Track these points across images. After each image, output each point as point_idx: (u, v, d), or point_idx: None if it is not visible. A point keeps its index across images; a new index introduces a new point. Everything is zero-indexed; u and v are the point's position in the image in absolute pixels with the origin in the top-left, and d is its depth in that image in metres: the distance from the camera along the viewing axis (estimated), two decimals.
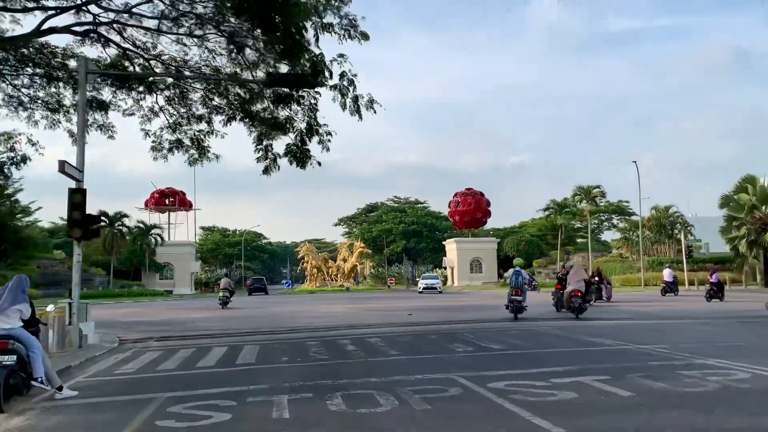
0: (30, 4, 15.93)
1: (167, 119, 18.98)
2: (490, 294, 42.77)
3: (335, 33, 12.83)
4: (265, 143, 17.01)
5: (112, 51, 17.86)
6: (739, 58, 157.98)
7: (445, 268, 71.48)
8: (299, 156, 16.20)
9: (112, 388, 8.24)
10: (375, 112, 14.27)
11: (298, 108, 15.92)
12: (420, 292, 46.63)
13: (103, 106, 18.98)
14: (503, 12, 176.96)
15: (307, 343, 12.90)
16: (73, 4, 15.95)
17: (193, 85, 18.60)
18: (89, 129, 19.36)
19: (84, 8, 16.22)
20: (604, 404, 6.17)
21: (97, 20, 16.75)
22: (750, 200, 43.17)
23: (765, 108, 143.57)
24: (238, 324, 18.92)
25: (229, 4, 14.36)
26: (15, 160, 19.02)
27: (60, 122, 19.59)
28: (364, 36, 12.76)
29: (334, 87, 14.06)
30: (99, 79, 18.32)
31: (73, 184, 13.06)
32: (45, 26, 15.88)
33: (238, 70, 17.21)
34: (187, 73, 17.83)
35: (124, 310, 29.90)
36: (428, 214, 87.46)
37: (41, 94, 19.28)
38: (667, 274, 32.81)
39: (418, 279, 57.73)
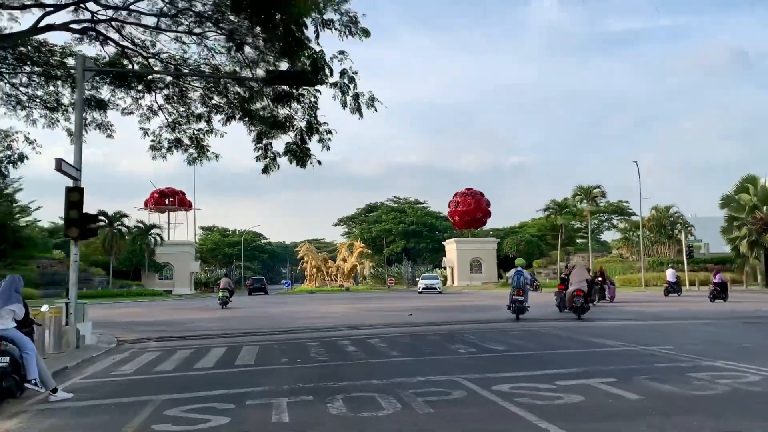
0: (27, 1, 15.77)
1: (166, 118, 18.84)
2: (490, 294, 42.63)
3: (336, 29, 12.67)
4: (264, 142, 16.86)
5: (111, 49, 17.73)
6: (739, 59, 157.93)
7: (445, 268, 71.34)
8: (299, 155, 16.05)
9: (109, 390, 8.07)
10: (376, 110, 14.12)
11: (298, 106, 15.78)
12: (419, 293, 46.44)
13: (102, 105, 18.83)
14: (503, 12, 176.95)
15: (307, 343, 12.74)
16: (70, 1, 15.80)
17: (192, 83, 18.46)
18: (88, 128, 19.25)
19: (82, 5, 16.06)
20: (612, 408, 6.01)
21: (95, 17, 16.60)
22: (751, 200, 43.03)
23: (765, 108, 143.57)
24: (237, 324, 18.76)
25: (228, 2, 14.21)
26: (12, 158, 18.86)
27: (59, 121, 19.45)
28: (365, 32, 12.60)
29: (334, 85, 13.90)
30: (98, 78, 18.19)
31: (70, 183, 12.94)
32: (42, 23, 15.72)
33: (237, 68, 17.07)
34: (185, 71, 17.69)
35: (123, 310, 29.75)
36: (428, 214, 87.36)
37: (40, 92, 19.15)
38: (670, 274, 32.68)
39: (417, 279, 57.55)
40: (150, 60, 17.69)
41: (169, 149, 19.01)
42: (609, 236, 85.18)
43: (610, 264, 57.14)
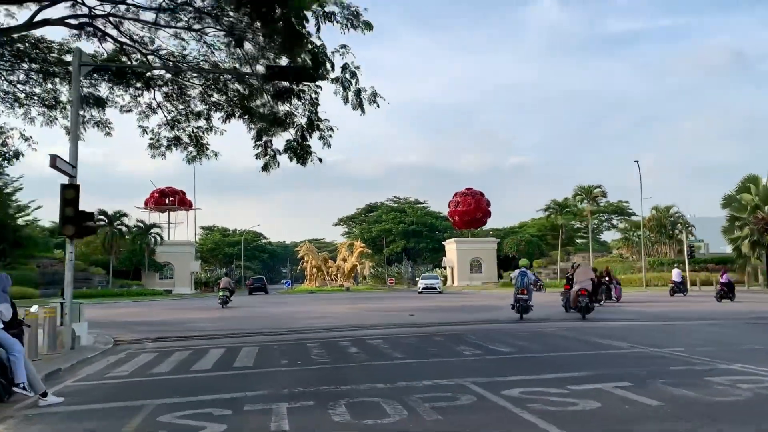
0: None
1: (165, 116, 18.59)
2: (490, 294, 42.35)
3: (337, 22, 12.35)
4: (264, 139, 16.58)
5: (109, 46, 17.48)
6: (739, 59, 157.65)
7: (445, 268, 71.04)
8: (299, 152, 15.75)
9: (102, 394, 7.76)
10: (378, 105, 13.80)
11: (299, 103, 15.50)
12: (419, 293, 46.12)
13: (100, 103, 18.58)
14: (503, 12, 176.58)
15: (307, 344, 12.43)
16: None
17: (191, 81, 18.21)
18: (86, 126, 19.02)
19: (78, 0, 15.78)
20: (631, 415, 5.68)
21: (92, 12, 16.32)
22: (753, 200, 42.74)
23: (764, 108, 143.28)
24: (236, 324, 18.46)
25: None
26: (7, 155, 18.56)
27: (57, 119, 19.20)
28: (368, 25, 12.29)
29: (335, 80, 13.58)
30: (96, 76, 17.95)
31: (65, 180, 12.63)
32: (39, 18, 15.44)
33: (237, 65, 16.80)
34: (185, 69, 17.39)
35: (122, 309, 29.45)
36: (428, 214, 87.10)
37: (38, 90, 18.91)
38: (675, 274, 32.47)
39: (417, 279, 57.23)
40: (149, 57, 17.41)
41: (168, 147, 18.77)
42: (609, 236, 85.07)
43: (610, 264, 56.79)
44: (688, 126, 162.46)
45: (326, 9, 12.31)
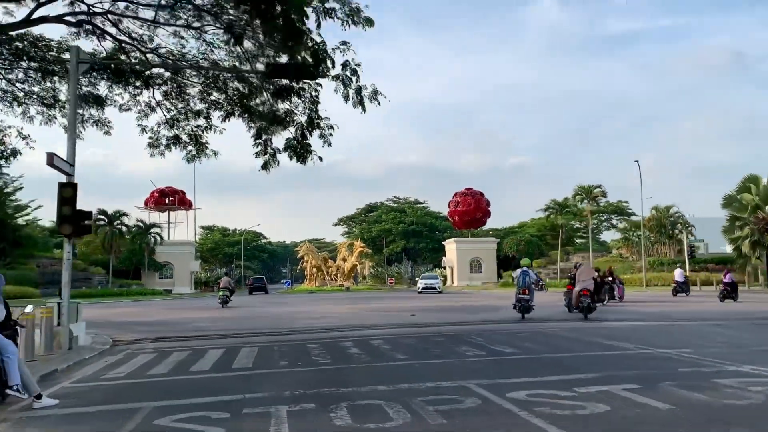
0: None
1: (164, 114, 18.42)
2: (491, 294, 42.22)
3: (338, 18, 12.16)
4: (264, 138, 16.38)
5: (108, 44, 17.32)
6: (739, 59, 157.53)
7: (445, 268, 70.92)
8: (299, 151, 15.56)
9: (98, 396, 7.60)
10: (379, 103, 13.61)
11: (299, 101, 15.30)
12: (419, 292, 45.95)
13: (99, 101, 18.42)
14: (503, 12, 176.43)
15: (307, 345, 12.27)
16: None
17: (191, 79, 18.04)
18: (85, 125, 18.88)
19: None
20: (642, 419, 5.51)
21: (91, 10, 16.15)
22: (753, 200, 42.63)
23: (764, 109, 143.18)
24: (236, 325, 18.30)
25: None
26: (5, 154, 18.40)
27: (56, 118, 19.04)
28: (369, 22, 12.10)
29: (336, 77, 13.38)
30: (95, 74, 17.81)
31: (63, 179, 12.47)
32: (36, 15, 15.27)
33: (236, 63, 16.65)
34: (184, 66, 17.23)
35: (121, 309, 29.30)
36: (428, 214, 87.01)
37: (36, 89, 18.75)
38: (678, 274, 32.40)
39: (417, 279, 57.07)
40: (148, 55, 17.25)
41: (168, 146, 18.60)
42: (608, 236, 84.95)
43: (611, 264, 56.63)
44: (688, 126, 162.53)
45: (327, 5, 12.13)
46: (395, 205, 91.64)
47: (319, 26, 12.22)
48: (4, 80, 18.25)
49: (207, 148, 18.61)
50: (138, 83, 17.86)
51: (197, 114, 18.27)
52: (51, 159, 11.57)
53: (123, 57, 17.32)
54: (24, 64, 18.05)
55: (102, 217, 57.22)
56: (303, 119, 15.45)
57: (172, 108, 18.37)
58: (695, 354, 9.52)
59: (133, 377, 9.02)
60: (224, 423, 5.75)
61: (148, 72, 17.63)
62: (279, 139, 16.65)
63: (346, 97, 13.45)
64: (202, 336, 15.12)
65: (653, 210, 58.88)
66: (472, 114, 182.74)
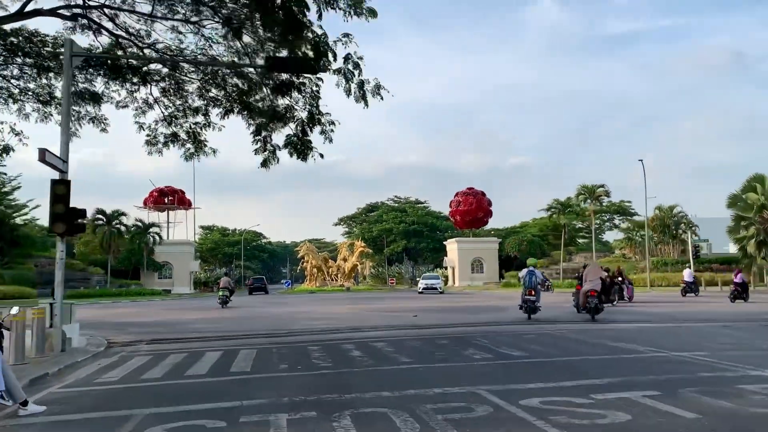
0: None
1: (162, 111, 18.07)
2: (492, 294, 41.82)
3: (340, 9, 11.78)
4: (263, 134, 16.01)
5: (105, 40, 16.97)
6: (739, 59, 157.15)
7: (446, 268, 70.52)
8: (300, 147, 15.18)
9: (88, 402, 7.22)
10: (381, 98, 13.21)
11: (299, 96, 14.93)
12: (420, 293, 45.50)
13: (96, 98, 18.07)
14: (503, 12, 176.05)
15: (308, 347, 11.89)
16: None
17: (189, 75, 17.69)
18: (82, 122, 18.54)
19: None
20: (667, 429, 5.13)
21: (86, 3, 15.80)
22: (759, 200, 42.15)
23: (764, 109, 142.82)
24: (235, 325, 17.94)
25: None
26: None
27: (52, 115, 18.68)
28: (372, 12, 11.70)
29: (338, 71, 12.99)
30: (92, 71, 17.47)
31: (56, 175, 12.11)
32: (30, 7, 14.91)
33: (236, 59, 16.29)
34: (181, 61, 16.87)
35: (119, 310, 28.93)
36: (429, 214, 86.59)
37: (32, 85, 18.39)
38: (687, 274, 32.12)
39: (418, 279, 56.65)
40: (145, 50, 16.90)
41: (166, 144, 18.25)
42: (610, 236, 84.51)
43: (613, 264, 56.25)
44: (688, 126, 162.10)
45: None
46: (396, 204, 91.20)
47: (320, 17, 11.85)
48: None
49: (206, 145, 18.27)
50: (135, 80, 17.52)
51: (195, 111, 17.93)
52: (43, 155, 11.20)
53: (120, 53, 16.96)
54: (19, 59, 17.69)
55: (100, 216, 56.83)
56: (303, 115, 15.08)
57: (170, 105, 18.03)
58: (712, 357, 9.14)
59: (127, 381, 8.65)
60: None
61: (145, 68, 17.29)
62: (279, 136, 16.32)
63: (348, 92, 13.06)
64: (200, 337, 14.75)
65: (656, 210, 58.41)
66: (472, 114, 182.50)
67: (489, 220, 72.31)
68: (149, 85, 17.62)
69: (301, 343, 12.74)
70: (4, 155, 17.99)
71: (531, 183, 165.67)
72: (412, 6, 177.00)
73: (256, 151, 16.12)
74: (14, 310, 9.65)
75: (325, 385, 7.60)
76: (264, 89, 15.80)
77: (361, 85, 13.00)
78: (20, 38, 17.01)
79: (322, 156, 15.43)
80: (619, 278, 25.09)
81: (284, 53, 14.00)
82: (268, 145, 15.93)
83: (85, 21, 16.22)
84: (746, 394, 6.44)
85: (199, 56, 16.80)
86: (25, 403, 6.56)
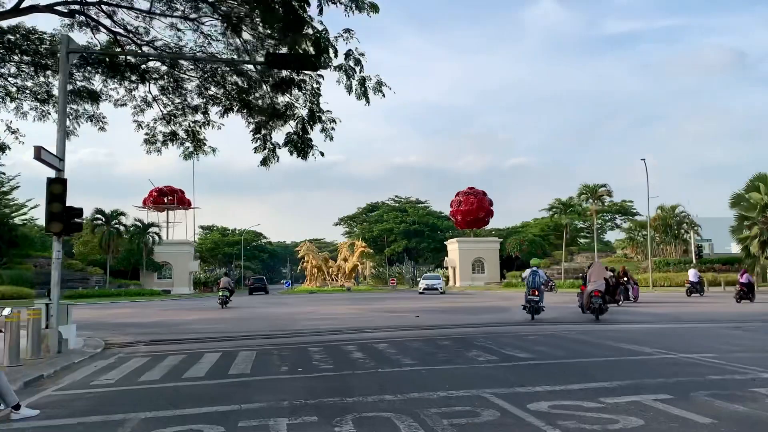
0: None
1: (161, 110, 17.88)
2: (494, 295, 41.61)
3: (341, 3, 11.56)
4: (263, 132, 15.80)
5: (103, 37, 16.80)
6: (739, 59, 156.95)
7: (447, 268, 70.30)
8: (300, 145, 14.96)
9: (83, 405, 7.02)
10: (383, 95, 12.99)
11: (299, 93, 14.72)
12: (421, 293, 45.20)
13: (94, 96, 17.88)
14: (503, 13, 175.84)
15: (308, 349, 11.69)
16: None
17: (188, 73, 17.50)
18: (80, 120, 18.36)
19: None
20: None
21: (84, 0, 15.62)
22: (762, 199, 41.91)
23: (764, 109, 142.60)
24: (234, 326, 17.74)
25: None
26: None
27: (49, 113, 18.49)
28: (374, 7, 11.48)
29: (339, 68, 12.76)
30: (90, 68, 17.28)
31: (52, 174, 11.92)
32: (26, 4, 14.72)
33: (235, 56, 16.10)
34: (180, 57, 16.68)
35: (118, 310, 28.73)
36: (429, 214, 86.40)
37: (29, 83, 18.21)
38: (692, 274, 31.92)
39: (419, 279, 56.42)
40: (143, 48, 16.71)
41: (164, 143, 18.07)
42: (612, 236, 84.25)
43: (615, 264, 56.00)
44: (689, 126, 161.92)
45: None
46: (396, 204, 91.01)
47: (321, 12, 11.63)
48: None
49: (205, 144, 18.08)
50: (134, 78, 17.34)
51: (195, 109, 17.75)
52: (38, 152, 11.01)
53: (118, 50, 16.79)
54: (16, 57, 17.52)
55: (100, 216, 56.63)
56: (304, 112, 14.87)
57: (169, 103, 17.85)
58: (721, 359, 8.94)
59: (123, 384, 8.45)
60: None
61: (144, 66, 17.10)
62: (279, 135, 16.14)
63: (349, 89, 12.84)
64: (199, 338, 14.55)
65: (659, 209, 58.17)
66: (472, 114, 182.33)
67: (490, 220, 72.15)
68: (148, 83, 17.44)
69: (302, 345, 12.55)
70: (0, 153, 17.78)
71: (531, 183, 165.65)
72: (412, 6, 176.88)
73: (256, 150, 15.93)
74: (6, 311, 9.45)
75: (326, 388, 7.40)
76: (264, 86, 15.60)
77: (362, 81, 12.78)
78: (17, 36, 16.84)
79: (322, 154, 15.23)
80: (625, 278, 24.93)
81: (284, 50, 13.81)
82: (268, 143, 15.73)
83: (82, 18, 16.04)
84: (760, 397, 6.24)
85: (198, 54, 16.63)
86: (17, 407, 6.37)
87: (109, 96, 17.88)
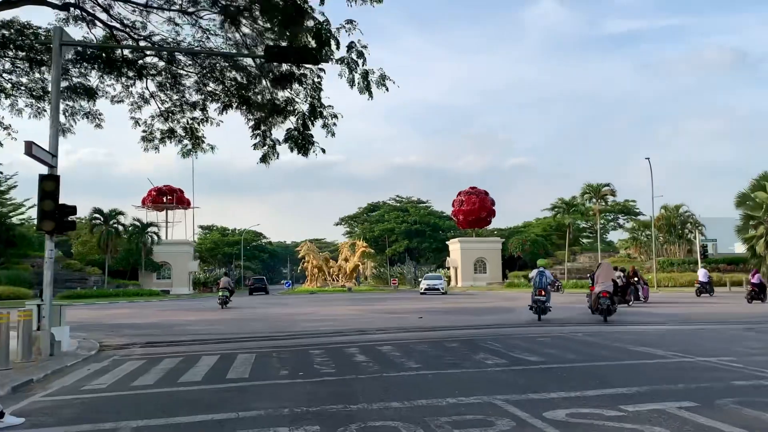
0: None
1: (159, 106, 17.51)
2: (497, 295, 41.22)
3: None
4: (263, 128, 15.42)
5: (99, 32, 16.42)
6: (740, 59, 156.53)
7: (449, 269, 69.88)
8: (301, 142, 14.57)
9: (71, 413, 6.63)
10: (387, 89, 12.58)
11: (300, 88, 14.33)
12: (422, 293, 44.72)
13: (90, 93, 17.50)
14: (503, 13, 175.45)
15: (309, 351, 11.30)
16: None
17: (186, 69, 17.14)
18: (76, 117, 17.99)
19: None
20: None
21: None
22: None
23: (765, 108, 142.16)
24: (234, 328, 17.36)
25: None
26: None
27: (45, 110, 18.09)
28: None
29: (340, 61, 12.36)
30: (86, 64, 16.91)
31: (44, 170, 11.53)
32: None
33: (234, 51, 15.73)
34: (177, 50, 16.31)
35: (115, 311, 28.35)
36: (431, 214, 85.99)
37: (24, 80, 17.83)
38: (702, 274, 31.58)
39: (420, 279, 56.01)
40: (141, 43, 16.35)
41: (162, 140, 17.72)
42: (614, 236, 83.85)
43: (618, 264, 55.56)
44: (689, 126, 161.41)
45: None
46: (398, 204, 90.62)
47: (322, 2, 11.23)
48: None
49: (203, 142, 17.73)
50: (131, 74, 16.98)
51: (193, 106, 17.39)
52: (29, 148, 10.61)
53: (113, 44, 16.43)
54: (11, 53, 17.15)
55: (98, 216, 56.23)
56: (305, 108, 14.48)
57: (167, 100, 17.48)
58: (740, 363, 8.56)
59: (116, 389, 8.06)
60: None
61: (141, 61, 16.74)
62: (279, 132, 15.77)
63: (351, 82, 12.42)
64: (197, 340, 14.17)
65: (663, 209, 57.74)
66: (472, 114, 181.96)
67: (492, 219, 71.74)
68: (145, 80, 17.08)
69: (303, 347, 12.16)
70: None
71: (533, 183, 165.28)
72: (412, 6, 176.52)
73: (256, 146, 15.54)
74: None
75: (328, 394, 7.02)
76: (263, 81, 15.23)
77: (365, 75, 12.37)
78: (11, 30, 16.49)
79: (323, 150, 14.83)
80: (635, 278, 24.58)
81: (284, 44, 13.44)
82: (268, 139, 15.35)
83: (78, 12, 15.69)
84: None
85: (196, 49, 16.27)
86: (1, 415, 5.99)
87: (106, 92, 17.54)
